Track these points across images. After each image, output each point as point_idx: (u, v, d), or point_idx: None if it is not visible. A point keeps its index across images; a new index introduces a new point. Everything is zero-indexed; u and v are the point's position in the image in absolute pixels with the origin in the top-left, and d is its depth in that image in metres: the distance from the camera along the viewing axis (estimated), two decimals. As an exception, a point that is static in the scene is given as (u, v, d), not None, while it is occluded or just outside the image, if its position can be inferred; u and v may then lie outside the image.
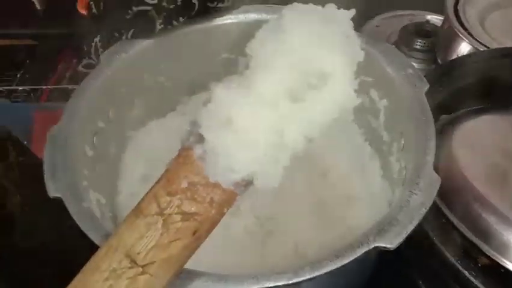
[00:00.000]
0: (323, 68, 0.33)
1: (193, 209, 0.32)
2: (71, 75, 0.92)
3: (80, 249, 0.33)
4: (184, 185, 0.32)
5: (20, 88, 0.90)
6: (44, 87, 0.90)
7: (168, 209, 0.31)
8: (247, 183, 0.33)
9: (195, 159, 0.32)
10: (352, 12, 0.35)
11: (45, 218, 0.48)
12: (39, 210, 0.48)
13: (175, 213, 0.31)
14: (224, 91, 0.31)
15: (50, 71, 0.93)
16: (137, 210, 0.32)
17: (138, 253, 0.30)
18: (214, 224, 0.33)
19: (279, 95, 0.32)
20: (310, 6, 0.35)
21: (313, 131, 0.32)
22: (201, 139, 0.32)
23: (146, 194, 0.33)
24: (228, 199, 0.33)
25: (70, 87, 0.90)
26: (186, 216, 0.31)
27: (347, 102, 0.33)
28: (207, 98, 0.33)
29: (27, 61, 0.96)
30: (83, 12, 0.81)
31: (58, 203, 0.40)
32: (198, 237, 0.32)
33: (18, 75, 0.93)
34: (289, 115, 0.32)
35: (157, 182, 0.33)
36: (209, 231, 0.33)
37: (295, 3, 0.35)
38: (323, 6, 0.36)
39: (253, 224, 0.50)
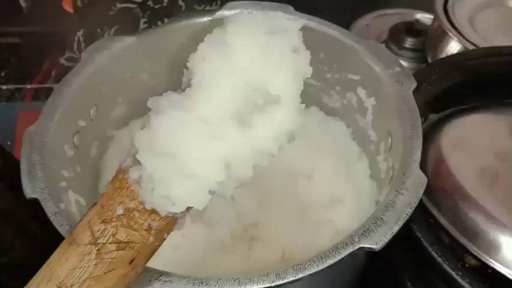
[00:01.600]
0: (269, 88, 0.31)
1: (129, 237, 0.30)
2: (56, 74, 0.91)
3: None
4: (120, 211, 0.30)
5: (4, 87, 0.89)
6: (28, 86, 0.89)
7: (102, 238, 0.30)
8: (188, 208, 0.31)
9: (130, 184, 0.30)
10: (301, 22, 0.33)
11: (23, 230, 0.46)
12: (19, 221, 0.46)
13: (110, 243, 0.29)
14: (164, 121, 0.29)
15: (35, 69, 0.92)
16: (71, 239, 0.30)
17: (71, 285, 0.29)
18: (153, 251, 0.31)
19: (224, 118, 0.30)
20: (256, 15, 0.33)
21: (262, 160, 0.31)
22: (138, 162, 0.30)
23: (80, 220, 0.31)
24: (168, 224, 0.31)
25: (55, 86, 0.88)
26: (122, 245, 0.30)
27: (292, 126, 0.31)
28: (144, 123, 0.31)
29: (12, 60, 0.94)
30: (68, 9, 0.80)
31: (38, 210, 0.38)
32: (135, 265, 0.30)
33: (2, 74, 0.92)
34: (236, 146, 0.29)
35: (91, 208, 0.31)
36: (147, 258, 0.31)
37: (240, 12, 0.33)
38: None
39: (238, 230, 0.49)
